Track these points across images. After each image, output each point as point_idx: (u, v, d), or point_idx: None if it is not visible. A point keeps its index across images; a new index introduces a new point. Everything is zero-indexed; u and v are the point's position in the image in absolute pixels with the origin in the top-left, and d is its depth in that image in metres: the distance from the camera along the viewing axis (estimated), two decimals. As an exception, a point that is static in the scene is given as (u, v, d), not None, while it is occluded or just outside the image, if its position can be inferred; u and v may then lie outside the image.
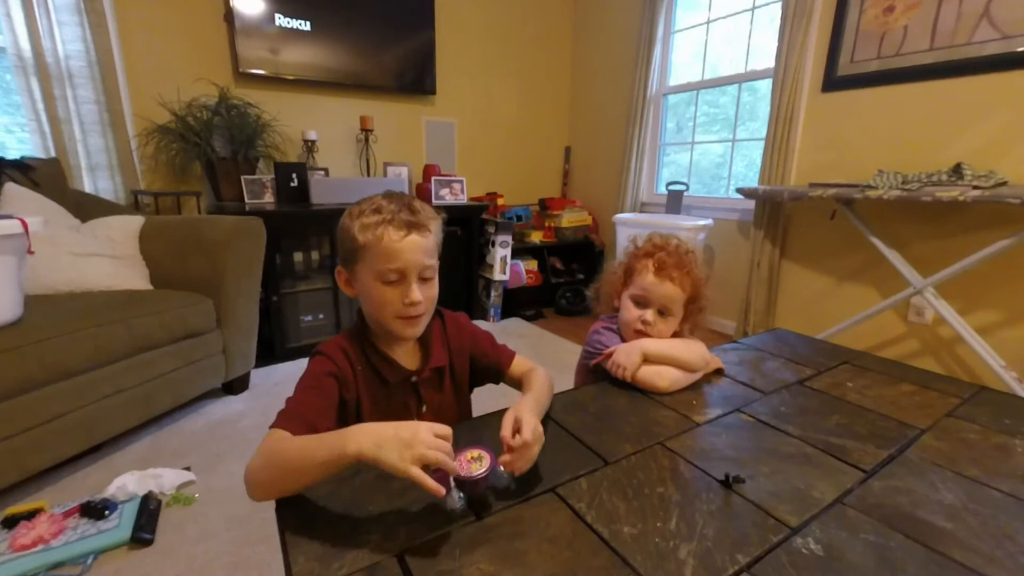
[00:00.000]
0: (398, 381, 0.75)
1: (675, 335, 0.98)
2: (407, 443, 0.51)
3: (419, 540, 0.51)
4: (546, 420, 0.75)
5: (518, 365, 0.84)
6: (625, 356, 0.88)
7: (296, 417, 0.63)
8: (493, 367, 0.83)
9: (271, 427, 0.61)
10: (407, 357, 0.77)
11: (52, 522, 1.11)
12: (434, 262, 0.72)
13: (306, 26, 2.44)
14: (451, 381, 0.81)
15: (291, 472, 0.56)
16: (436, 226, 0.72)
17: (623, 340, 0.97)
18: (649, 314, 0.94)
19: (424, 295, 0.70)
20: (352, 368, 0.72)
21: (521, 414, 0.62)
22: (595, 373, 0.96)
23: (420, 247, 0.68)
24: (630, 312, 0.96)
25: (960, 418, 0.80)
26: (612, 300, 1.02)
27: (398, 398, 0.75)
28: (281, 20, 2.37)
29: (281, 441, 0.58)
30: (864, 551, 0.51)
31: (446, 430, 0.54)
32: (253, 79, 2.40)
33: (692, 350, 0.91)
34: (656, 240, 0.99)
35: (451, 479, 0.54)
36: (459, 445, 0.57)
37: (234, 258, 1.70)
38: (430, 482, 0.50)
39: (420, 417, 0.77)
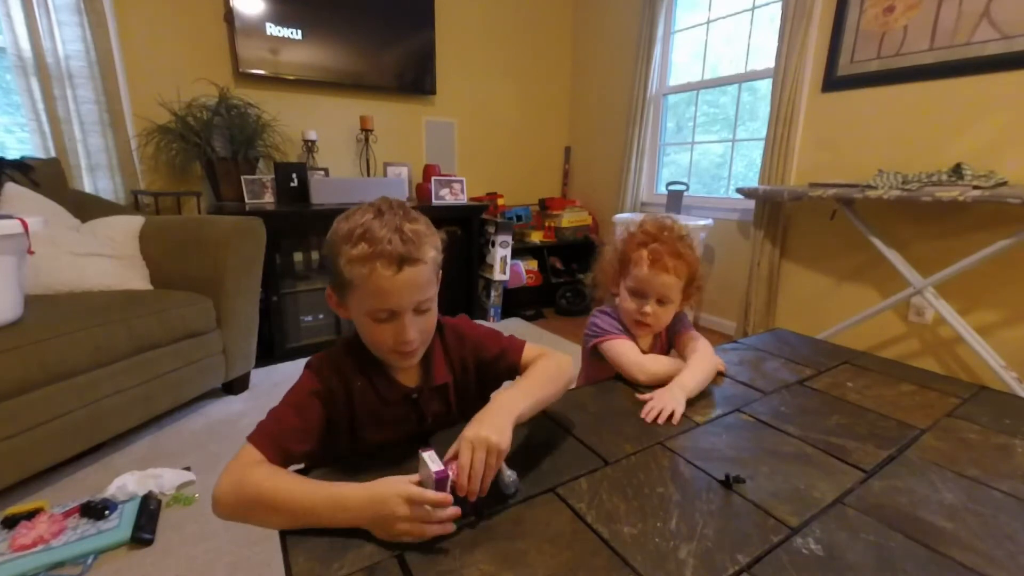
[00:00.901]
0: (397, 399, 0.71)
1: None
2: (384, 524, 0.51)
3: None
4: (546, 419, 0.75)
5: (526, 356, 0.76)
6: (672, 402, 0.79)
7: (272, 439, 0.60)
8: (503, 369, 0.77)
9: (248, 438, 0.60)
10: (408, 373, 0.72)
11: (52, 522, 1.11)
12: (430, 294, 0.65)
13: (297, 35, 2.42)
14: (455, 396, 0.77)
15: (270, 511, 0.54)
16: (433, 251, 0.64)
17: (622, 326, 1.00)
18: (648, 306, 0.94)
19: (419, 328, 0.65)
20: (346, 385, 0.68)
21: (463, 436, 0.56)
22: (594, 355, 0.99)
23: (413, 284, 0.61)
24: (628, 303, 0.97)
25: (960, 418, 0.80)
26: (609, 287, 1.04)
27: (398, 413, 0.72)
28: (273, 29, 2.35)
29: (260, 469, 0.57)
30: (864, 551, 0.51)
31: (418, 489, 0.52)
32: (253, 79, 2.40)
33: (710, 366, 0.92)
34: (649, 227, 0.98)
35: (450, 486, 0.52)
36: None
37: (234, 258, 1.70)
38: (427, 536, 0.50)
39: (422, 431, 0.73)
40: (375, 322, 0.63)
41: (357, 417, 0.70)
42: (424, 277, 0.63)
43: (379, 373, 0.70)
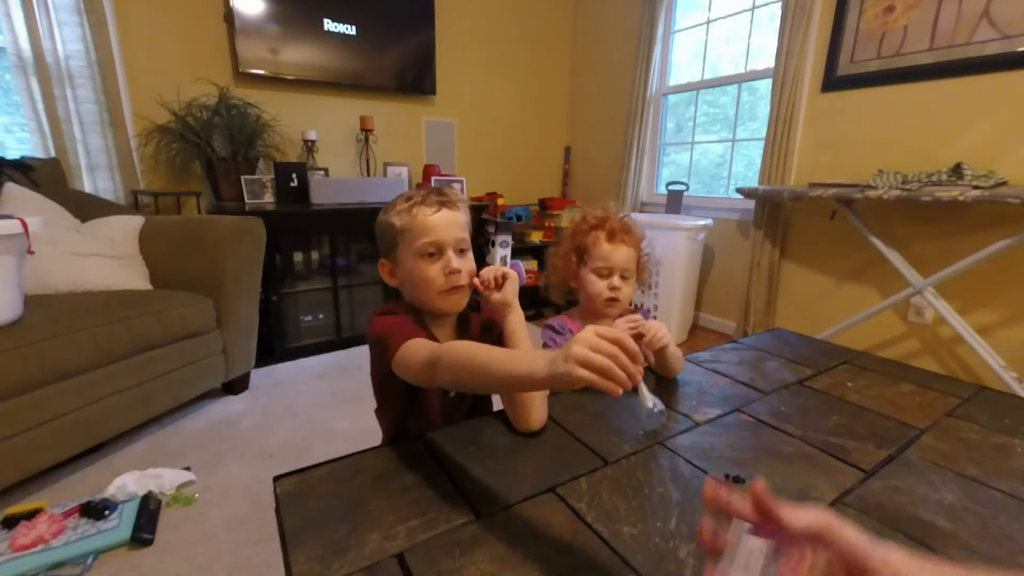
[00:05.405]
0: None
1: None
2: (569, 356, 0.44)
3: (419, 540, 0.51)
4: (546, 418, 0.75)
5: None
6: (663, 329, 0.90)
7: (416, 334, 0.66)
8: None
9: (398, 348, 0.64)
10: (444, 337, 0.78)
11: (52, 522, 1.11)
12: (468, 237, 0.75)
13: (298, 34, 2.41)
14: None
15: (482, 375, 0.53)
16: (464, 207, 0.76)
17: (585, 319, 1.01)
18: (616, 280, 0.98)
19: (462, 265, 0.73)
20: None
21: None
22: None
23: (453, 221, 0.73)
24: (595, 285, 0.99)
25: (960, 418, 0.80)
26: (566, 285, 1.06)
27: None
28: (274, 29, 2.35)
29: (457, 346, 0.56)
30: (864, 551, 0.51)
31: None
32: (253, 79, 2.40)
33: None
34: (597, 213, 1.03)
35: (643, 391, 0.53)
36: None
37: (234, 258, 1.70)
38: (602, 383, 0.42)
39: (448, 400, 0.80)
40: (425, 260, 0.72)
41: None
42: (461, 219, 0.74)
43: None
